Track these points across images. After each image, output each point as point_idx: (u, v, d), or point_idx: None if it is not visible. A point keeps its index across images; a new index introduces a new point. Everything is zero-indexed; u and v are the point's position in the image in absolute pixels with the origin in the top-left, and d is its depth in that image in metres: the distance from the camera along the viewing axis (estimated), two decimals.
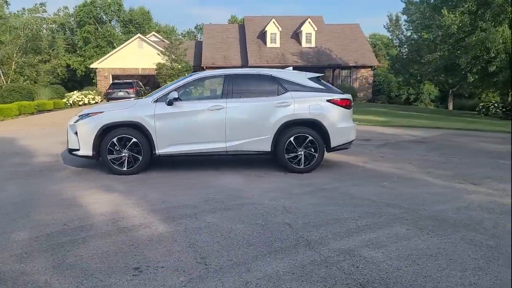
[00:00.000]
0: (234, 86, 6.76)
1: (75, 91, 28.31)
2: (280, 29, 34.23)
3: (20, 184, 6.01)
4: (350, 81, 35.48)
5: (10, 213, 4.64)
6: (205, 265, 3.31)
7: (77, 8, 50.17)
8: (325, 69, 34.69)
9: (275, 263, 3.35)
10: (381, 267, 3.28)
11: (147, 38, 37.09)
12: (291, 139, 6.64)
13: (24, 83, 29.31)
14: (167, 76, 30.50)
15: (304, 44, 34.38)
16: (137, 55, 34.53)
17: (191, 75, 7.15)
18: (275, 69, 7.27)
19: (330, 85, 7.31)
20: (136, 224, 4.28)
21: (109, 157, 6.50)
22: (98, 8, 50.26)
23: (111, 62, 34.71)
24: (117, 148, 6.49)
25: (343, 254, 3.52)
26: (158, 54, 31.86)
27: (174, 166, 7.27)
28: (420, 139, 11.03)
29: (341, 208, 4.84)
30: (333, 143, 6.77)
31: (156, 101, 6.61)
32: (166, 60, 31.01)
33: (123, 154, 6.52)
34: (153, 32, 43.25)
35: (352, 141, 7.11)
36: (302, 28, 34.19)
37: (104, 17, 51.65)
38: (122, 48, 35.14)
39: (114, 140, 6.45)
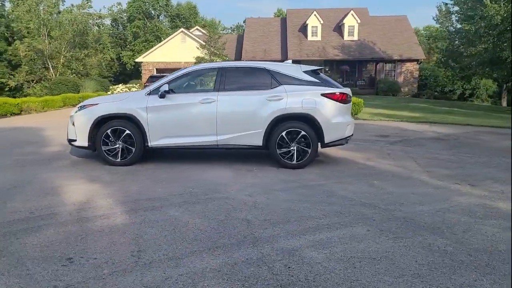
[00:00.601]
0: (227, 79, 6.70)
1: (120, 84, 29.35)
2: (322, 22, 33.63)
3: (16, 172, 6.29)
4: (394, 75, 34.29)
5: None
6: (137, 258, 3.31)
7: (128, 3, 51.99)
8: (367, 63, 33.76)
9: (208, 260, 3.30)
10: (314, 269, 3.15)
11: (190, 32, 37.72)
12: (283, 133, 6.51)
13: (71, 76, 30.74)
14: None
15: (346, 37, 33.60)
16: (180, 49, 35.20)
17: (186, 68, 7.16)
18: (271, 62, 7.15)
19: (329, 79, 7.06)
20: (98, 215, 4.35)
21: (104, 148, 6.66)
22: (147, 3, 51.72)
23: (156, 56, 35.64)
24: (112, 140, 6.64)
25: (283, 254, 3.41)
26: (198, 48, 32.29)
27: (173, 158, 7.38)
28: (442, 136, 10.48)
29: (313, 206, 4.69)
30: (327, 139, 6.57)
31: (149, 93, 6.69)
32: (205, 54, 31.36)
33: (117, 146, 6.66)
34: (197, 27, 43.89)
35: (349, 137, 6.86)
36: (344, 21, 33.41)
37: (152, 12, 53.08)
38: (166, 42, 35.97)
39: (108, 131, 6.61)
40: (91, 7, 34.59)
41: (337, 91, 6.60)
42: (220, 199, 4.93)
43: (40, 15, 29.68)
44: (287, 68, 6.77)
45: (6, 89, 32.71)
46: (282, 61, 32.85)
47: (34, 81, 30.69)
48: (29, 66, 33.00)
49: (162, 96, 6.57)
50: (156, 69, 35.77)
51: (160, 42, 39.53)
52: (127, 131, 6.62)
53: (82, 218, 4.25)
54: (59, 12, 31.74)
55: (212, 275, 3.06)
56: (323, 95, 6.53)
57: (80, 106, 6.95)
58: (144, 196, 5.06)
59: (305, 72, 6.70)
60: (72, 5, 35.11)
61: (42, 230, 3.91)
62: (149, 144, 6.66)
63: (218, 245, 3.61)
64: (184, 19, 53.57)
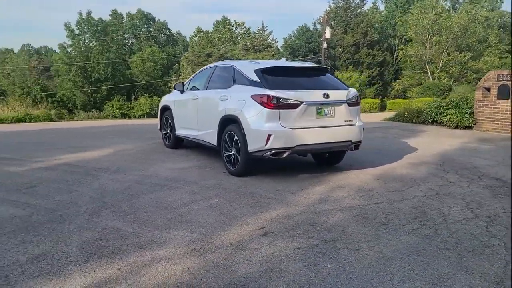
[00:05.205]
0: (212, 77, 7.18)
1: None
2: None
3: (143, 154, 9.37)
4: None
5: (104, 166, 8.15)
6: None
7: None
8: None
9: None
10: None
11: None
12: (226, 136, 6.41)
13: (444, 80, 30.25)
14: None
15: None
16: None
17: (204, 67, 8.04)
18: (246, 60, 6.88)
19: (281, 79, 6.03)
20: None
21: (163, 132, 8.77)
22: None
23: None
24: (165, 127, 8.65)
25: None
26: None
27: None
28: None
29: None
30: (250, 147, 5.89)
31: (182, 90, 8.09)
32: None
33: (165, 132, 8.62)
34: None
35: (278, 150, 5.72)
36: None
37: None
38: None
39: (164, 119, 8.64)
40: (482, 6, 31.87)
41: (268, 93, 5.71)
42: (104, 180, 6.17)
43: (424, 22, 30.78)
44: (244, 66, 6.42)
45: (390, 92, 36.20)
46: None
47: (413, 86, 32.32)
48: (408, 71, 34.99)
49: (181, 92, 7.90)
50: None
51: None
52: (170, 120, 8.45)
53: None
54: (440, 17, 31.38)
55: None
56: (252, 97, 5.87)
57: None
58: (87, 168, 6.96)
59: (255, 71, 6.13)
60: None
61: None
62: (176, 133, 8.18)
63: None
64: None
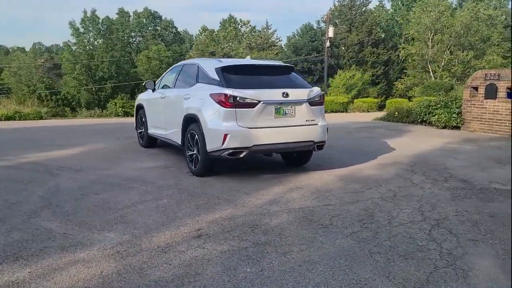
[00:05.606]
0: (179, 76, 7.11)
1: None
2: None
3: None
4: None
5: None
6: None
7: None
8: None
9: None
10: None
11: None
12: (188, 135, 6.34)
13: (446, 79, 29.81)
14: None
15: None
16: None
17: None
18: (209, 58, 6.82)
19: (244, 78, 5.96)
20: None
21: (138, 130, 8.77)
22: None
23: None
24: (139, 125, 8.62)
25: None
26: None
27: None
28: None
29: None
30: (208, 147, 5.81)
31: (153, 88, 8.04)
32: None
33: (140, 130, 8.59)
34: None
35: (235, 150, 5.65)
36: None
37: None
38: None
39: (138, 117, 8.61)
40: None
41: (225, 92, 5.62)
42: (66, 178, 6.15)
43: (426, 21, 30.34)
44: (208, 65, 6.33)
45: (395, 91, 35.75)
46: None
47: (414, 85, 31.91)
48: (410, 70, 34.52)
49: (153, 90, 7.86)
50: None
51: None
52: (144, 118, 8.45)
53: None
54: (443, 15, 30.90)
55: None
56: (211, 95, 5.80)
57: None
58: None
59: (216, 69, 6.04)
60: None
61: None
62: (148, 132, 8.16)
63: None
64: None
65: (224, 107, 5.57)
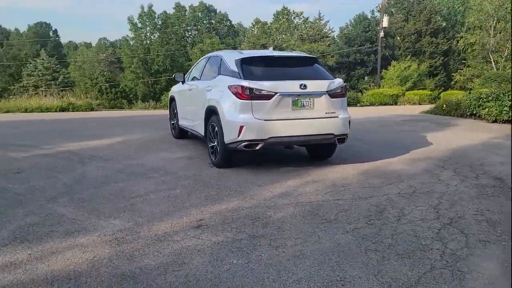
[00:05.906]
0: (205, 68, 7.20)
1: None
2: None
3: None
4: None
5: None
6: None
7: None
8: None
9: None
10: None
11: None
12: (209, 127, 6.44)
13: (509, 70, 27.84)
14: None
15: None
16: None
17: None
18: (232, 51, 6.85)
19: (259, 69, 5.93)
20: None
21: (171, 122, 8.97)
22: None
23: None
24: (172, 117, 8.85)
25: None
26: None
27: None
28: None
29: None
30: (225, 138, 5.87)
31: (182, 80, 8.21)
32: None
33: (172, 122, 8.81)
34: None
35: (251, 142, 5.66)
36: None
37: None
38: None
39: (171, 109, 8.83)
40: None
41: (241, 83, 5.65)
42: (94, 166, 6.49)
43: (488, 7, 28.42)
44: (229, 57, 6.36)
45: (454, 83, 33.82)
46: None
47: (474, 76, 30.07)
48: (470, 60, 32.54)
49: (183, 82, 8.03)
50: None
51: None
52: (175, 110, 8.68)
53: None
54: None
55: None
56: (229, 87, 5.85)
57: None
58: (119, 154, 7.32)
59: (236, 61, 6.07)
60: None
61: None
62: (179, 123, 8.36)
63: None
64: None
65: (240, 99, 5.56)
